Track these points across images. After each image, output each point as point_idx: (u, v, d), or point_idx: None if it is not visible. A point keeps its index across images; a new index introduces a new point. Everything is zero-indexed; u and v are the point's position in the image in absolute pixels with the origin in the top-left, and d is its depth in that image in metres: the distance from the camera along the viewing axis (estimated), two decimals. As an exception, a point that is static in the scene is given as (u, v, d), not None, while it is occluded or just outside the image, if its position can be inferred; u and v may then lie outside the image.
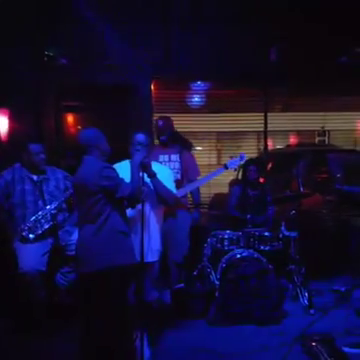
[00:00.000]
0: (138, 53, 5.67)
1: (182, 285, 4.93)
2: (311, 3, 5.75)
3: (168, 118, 5.19)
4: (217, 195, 6.29)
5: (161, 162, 5.00)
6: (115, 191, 3.24)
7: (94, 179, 3.22)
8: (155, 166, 3.74)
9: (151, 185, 3.67)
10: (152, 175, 3.60)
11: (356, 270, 4.99)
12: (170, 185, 3.82)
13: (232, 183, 6.22)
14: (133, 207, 3.48)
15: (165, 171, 3.97)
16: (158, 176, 3.64)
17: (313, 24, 5.74)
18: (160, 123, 5.09)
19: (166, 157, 5.06)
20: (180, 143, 5.23)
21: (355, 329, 4.15)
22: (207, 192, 6.32)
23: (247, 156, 6.07)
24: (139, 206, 3.46)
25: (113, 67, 5.58)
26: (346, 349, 3.79)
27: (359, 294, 4.92)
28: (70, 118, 6.13)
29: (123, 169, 3.54)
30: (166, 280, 5.14)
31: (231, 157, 5.00)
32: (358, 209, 5.42)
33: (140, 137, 3.72)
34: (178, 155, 5.04)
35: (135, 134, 3.71)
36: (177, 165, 5.01)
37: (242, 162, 4.97)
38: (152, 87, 6.04)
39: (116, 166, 3.68)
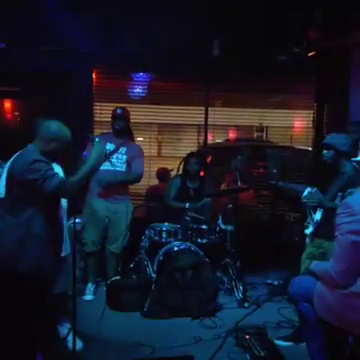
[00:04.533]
0: (79, 40, 5.51)
1: (118, 277, 4.89)
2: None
3: (125, 108, 5.13)
4: (152, 187, 6.22)
5: (107, 150, 4.92)
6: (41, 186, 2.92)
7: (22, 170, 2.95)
8: None
9: None
10: None
11: (289, 264, 5.13)
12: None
13: (159, 174, 6.20)
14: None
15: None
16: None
17: (253, 22, 5.81)
18: (118, 112, 5.01)
19: (113, 146, 4.99)
20: (129, 135, 5.18)
21: (287, 322, 4.28)
22: (147, 184, 6.26)
23: (188, 149, 6.13)
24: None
25: (53, 53, 5.39)
26: (278, 342, 3.90)
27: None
28: (7, 104, 5.90)
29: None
30: (102, 272, 5.09)
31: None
32: (291, 204, 5.57)
33: None
34: (126, 148, 5.00)
35: None
36: (124, 157, 4.95)
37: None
38: (93, 75, 5.90)
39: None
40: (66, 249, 3.53)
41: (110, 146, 4.97)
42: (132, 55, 5.64)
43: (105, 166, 4.57)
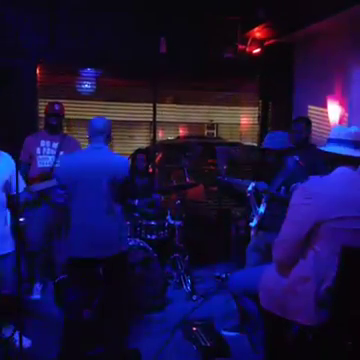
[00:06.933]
0: (22, 36, 5.40)
1: (66, 276, 4.83)
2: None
3: (61, 104, 5.03)
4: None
5: (42, 147, 4.85)
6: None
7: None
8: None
9: None
10: None
11: (236, 257, 5.24)
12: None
13: None
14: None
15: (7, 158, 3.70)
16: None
17: (199, 19, 5.87)
18: (57, 108, 4.90)
19: (48, 143, 4.91)
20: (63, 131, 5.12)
21: (233, 313, 4.36)
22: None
23: (141, 146, 6.12)
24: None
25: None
26: (224, 332, 3.99)
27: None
28: None
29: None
30: (51, 271, 5.02)
31: None
32: (237, 199, 5.68)
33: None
34: (58, 143, 4.91)
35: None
36: (53, 152, 4.86)
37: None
38: (37, 71, 5.78)
39: None
40: (5, 248, 3.53)
41: (44, 143, 4.88)
42: (77, 51, 5.59)
43: (45, 164, 4.62)
